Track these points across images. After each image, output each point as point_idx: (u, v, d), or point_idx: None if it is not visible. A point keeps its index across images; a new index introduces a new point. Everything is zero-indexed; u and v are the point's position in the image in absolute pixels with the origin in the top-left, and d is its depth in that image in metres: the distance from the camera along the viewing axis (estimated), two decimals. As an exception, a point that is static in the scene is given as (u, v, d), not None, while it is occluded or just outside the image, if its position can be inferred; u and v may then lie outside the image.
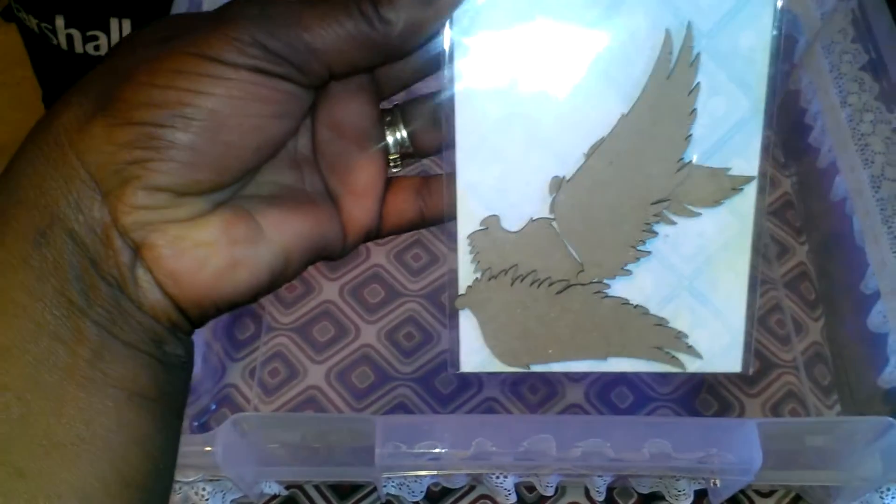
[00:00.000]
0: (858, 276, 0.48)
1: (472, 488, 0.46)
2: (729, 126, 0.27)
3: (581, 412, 0.49)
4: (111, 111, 0.22)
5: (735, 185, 0.28)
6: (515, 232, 0.28)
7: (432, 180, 0.28)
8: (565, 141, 0.27)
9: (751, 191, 0.28)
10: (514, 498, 0.43)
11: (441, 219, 0.28)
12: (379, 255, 0.55)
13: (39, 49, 0.71)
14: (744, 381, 0.50)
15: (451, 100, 0.27)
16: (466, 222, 0.28)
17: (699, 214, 0.28)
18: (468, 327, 0.29)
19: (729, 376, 0.50)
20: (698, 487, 0.43)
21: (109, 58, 0.23)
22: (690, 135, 0.27)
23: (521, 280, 0.28)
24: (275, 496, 0.45)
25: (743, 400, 0.50)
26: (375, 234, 0.28)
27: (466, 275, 0.28)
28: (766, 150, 0.27)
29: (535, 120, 0.27)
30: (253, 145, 0.23)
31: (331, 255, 0.27)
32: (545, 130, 0.27)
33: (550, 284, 0.28)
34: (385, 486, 0.42)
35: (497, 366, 0.29)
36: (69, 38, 0.68)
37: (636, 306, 0.29)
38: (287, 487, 0.45)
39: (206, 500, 0.42)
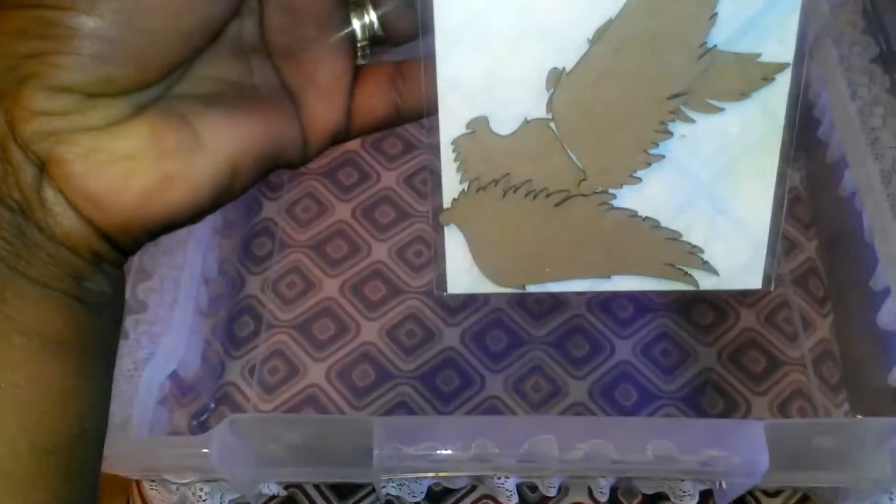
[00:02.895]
0: (868, 272, 0.47)
1: (473, 488, 0.45)
2: (761, 2, 0.23)
3: (584, 410, 0.48)
4: None
5: (766, 75, 0.23)
6: (507, 135, 0.24)
7: (407, 66, 0.24)
8: (566, 25, 0.23)
9: (783, 81, 0.24)
10: (516, 498, 0.43)
11: (420, 114, 0.24)
12: (380, 251, 0.54)
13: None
14: (751, 379, 0.49)
15: None
16: (449, 125, 0.24)
17: (722, 110, 0.24)
18: (455, 245, 0.25)
19: (737, 375, 0.49)
20: (704, 488, 0.42)
21: None
22: (716, 13, 0.23)
23: (514, 191, 0.25)
24: (273, 496, 0.45)
25: (749, 398, 0.49)
26: (344, 134, 0.24)
27: (451, 186, 0.25)
28: (803, 31, 0.23)
29: (530, 0, 0.23)
30: (181, 31, 0.19)
31: (290, 162, 0.23)
32: (542, 13, 0.23)
33: (548, 196, 0.25)
34: (385, 487, 0.42)
35: (489, 286, 0.26)
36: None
37: (645, 219, 0.25)
38: (286, 487, 0.45)
39: (204, 500, 0.42)
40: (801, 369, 0.50)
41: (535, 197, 0.25)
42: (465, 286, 0.26)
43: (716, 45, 0.23)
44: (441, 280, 0.26)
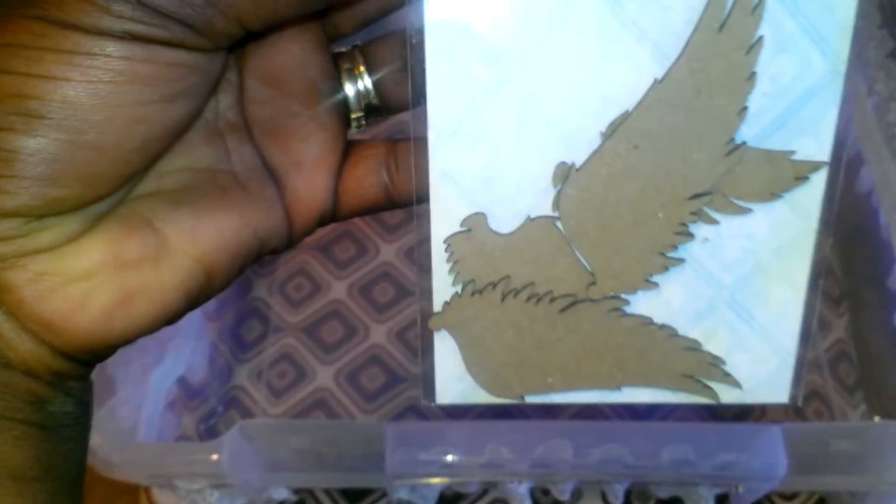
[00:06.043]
0: (885, 271, 0.46)
1: (485, 492, 0.45)
2: (797, 95, 0.21)
3: (598, 412, 0.48)
4: None
5: (800, 174, 0.21)
6: (507, 234, 0.22)
7: (401, 148, 0.22)
8: (576, 116, 0.21)
9: (819, 181, 0.21)
10: (528, 503, 0.42)
11: (411, 200, 0.22)
12: (389, 252, 0.53)
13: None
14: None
15: (420, 57, 0.20)
16: (442, 221, 0.22)
17: (749, 210, 0.22)
18: (445, 351, 0.23)
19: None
20: (720, 492, 0.41)
21: None
22: (746, 108, 0.21)
23: (515, 295, 0.22)
24: (283, 501, 0.44)
25: (764, 400, 0.48)
26: (331, 217, 0.22)
27: (443, 288, 0.22)
28: (843, 127, 0.21)
29: (536, 87, 0.21)
30: (135, 143, 0.17)
31: (273, 249, 0.21)
32: (548, 102, 0.21)
33: (552, 301, 0.22)
34: (397, 492, 0.41)
35: (482, 397, 0.23)
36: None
37: (662, 326, 0.23)
38: (296, 492, 0.44)
39: (214, 506, 0.41)
40: (816, 370, 0.49)
41: (538, 302, 0.22)
42: (455, 396, 0.23)
43: (745, 142, 0.21)
44: (429, 387, 0.23)
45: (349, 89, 0.21)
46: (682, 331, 0.23)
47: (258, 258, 0.21)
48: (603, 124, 0.21)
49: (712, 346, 0.23)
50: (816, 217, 0.22)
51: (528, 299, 0.22)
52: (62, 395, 0.18)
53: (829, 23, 0.20)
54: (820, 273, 0.22)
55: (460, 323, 0.23)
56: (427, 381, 0.23)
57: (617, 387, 0.23)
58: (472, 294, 0.22)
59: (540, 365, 0.23)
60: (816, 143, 0.21)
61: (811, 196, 0.22)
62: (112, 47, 0.16)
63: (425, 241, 0.22)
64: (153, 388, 0.41)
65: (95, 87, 0.16)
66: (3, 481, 0.17)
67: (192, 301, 0.20)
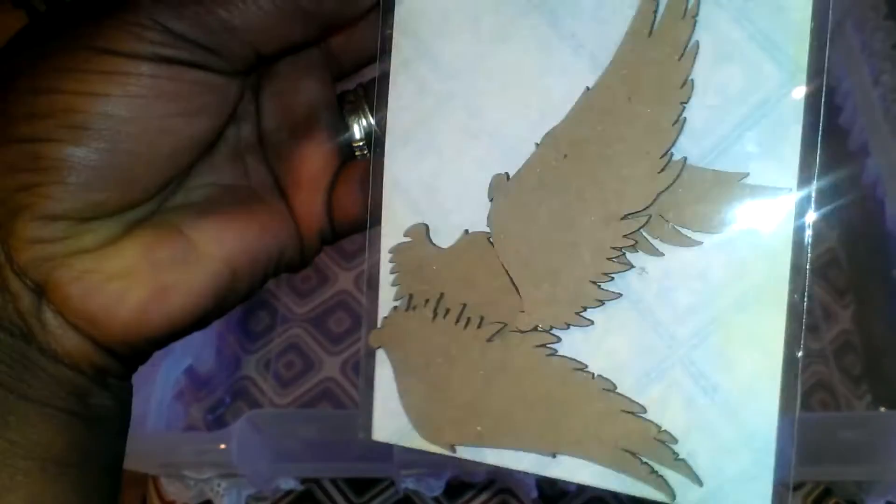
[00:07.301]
0: (890, 262, 0.46)
1: (491, 482, 0.45)
2: (748, 108, 0.18)
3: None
4: None
5: (756, 201, 0.18)
6: (445, 248, 0.20)
7: None
8: (515, 128, 0.20)
9: (785, 212, 0.18)
10: (535, 493, 0.42)
11: None
12: (394, 243, 0.53)
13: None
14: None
15: (386, 68, 0.21)
16: (391, 231, 0.21)
17: (699, 243, 0.18)
18: (384, 378, 0.21)
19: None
20: (725, 482, 0.41)
21: None
22: (683, 119, 0.18)
23: (445, 315, 0.20)
24: (290, 491, 0.44)
25: (770, 390, 0.48)
26: (331, 235, 0.23)
27: (386, 301, 0.21)
28: (809, 146, 0.17)
29: (480, 100, 0.20)
30: (165, 152, 0.19)
31: (291, 262, 0.23)
32: (491, 114, 0.20)
33: (479, 326, 0.20)
34: (404, 482, 0.41)
35: (415, 441, 0.21)
36: (78, 24, 0.67)
37: (597, 377, 0.19)
38: (303, 482, 0.45)
39: (222, 495, 0.41)
40: (822, 361, 0.49)
41: (466, 325, 0.20)
42: (390, 434, 0.21)
43: (686, 158, 0.18)
44: (366, 421, 0.21)
45: (353, 124, 0.23)
46: (623, 388, 0.19)
47: (278, 270, 0.23)
48: (538, 135, 0.20)
49: (664, 419, 0.19)
50: (786, 259, 0.18)
51: (457, 321, 0.20)
52: (102, 389, 0.20)
53: (781, 27, 0.18)
54: (798, 336, 0.18)
55: (396, 340, 0.21)
56: (365, 412, 0.21)
57: (552, 452, 0.20)
58: (407, 309, 0.21)
59: (468, 407, 0.20)
60: (778, 166, 0.18)
61: (776, 231, 0.18)
62: (147, 68, 0.18)
63: (375, 254, 0.22)
64: (161, 378, 0.41)
65: (132, 101, 0.18)
66: (45, 465, 0.19)
67: (220, 301, 0.21)
